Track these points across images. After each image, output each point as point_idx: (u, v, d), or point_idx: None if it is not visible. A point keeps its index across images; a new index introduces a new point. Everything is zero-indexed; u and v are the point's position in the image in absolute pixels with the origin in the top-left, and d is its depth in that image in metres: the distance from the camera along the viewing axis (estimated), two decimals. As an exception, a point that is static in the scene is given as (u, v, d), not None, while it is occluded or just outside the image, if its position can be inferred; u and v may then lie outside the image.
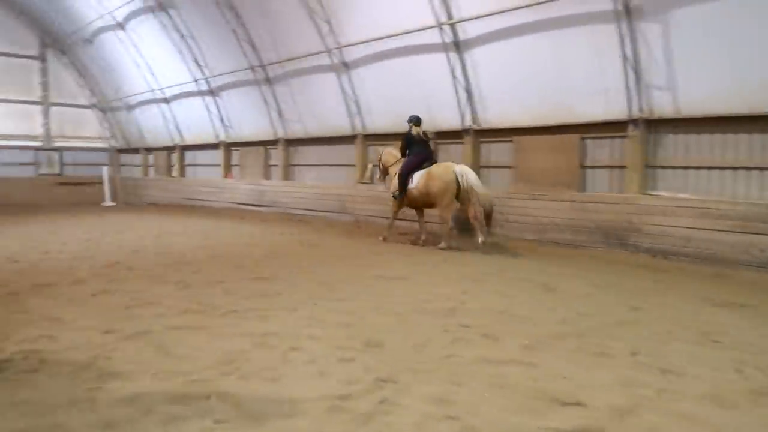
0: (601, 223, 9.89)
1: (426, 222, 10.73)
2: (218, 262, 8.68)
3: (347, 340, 4.76)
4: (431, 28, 11.93)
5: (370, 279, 7.33)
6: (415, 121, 10.43)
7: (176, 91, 20.64)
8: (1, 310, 5.80)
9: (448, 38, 11.88)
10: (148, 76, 21.28)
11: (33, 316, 5.57)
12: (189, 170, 22.18)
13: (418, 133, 10.35)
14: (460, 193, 9.67)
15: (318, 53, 14.62)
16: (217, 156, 20.23)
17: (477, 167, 12.02)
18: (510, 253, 9.70)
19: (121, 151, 25.78)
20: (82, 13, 21.24)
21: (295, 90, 16.30)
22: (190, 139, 21.51)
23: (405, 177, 10.30)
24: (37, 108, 23.74)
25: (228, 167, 20.01)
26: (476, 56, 11.72)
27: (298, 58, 15.19)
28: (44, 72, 23.78)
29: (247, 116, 18.61)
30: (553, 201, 10.61)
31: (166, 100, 21.54)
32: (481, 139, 12.29)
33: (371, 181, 12.81)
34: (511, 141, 11.68)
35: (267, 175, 18.36)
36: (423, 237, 10.53)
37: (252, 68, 16.77)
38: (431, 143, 10.62)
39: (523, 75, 11.08)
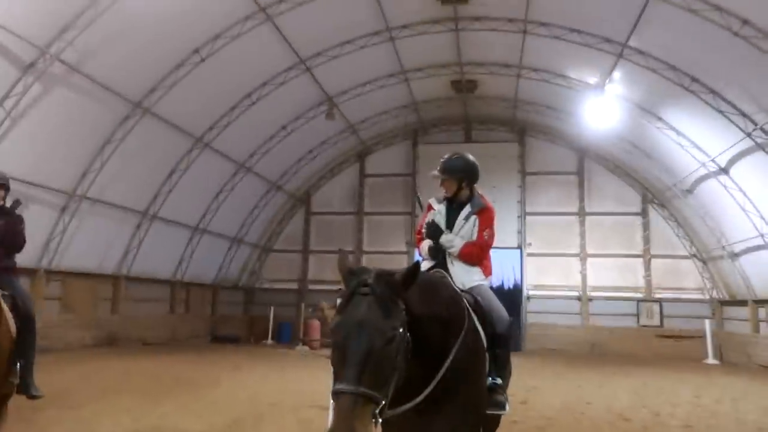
0: None
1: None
2: None
3: None
4: None
5: None
6: None
7: (793, 233, 17.56)
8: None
9: None
10: (755, 220, 19.02)
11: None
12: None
13: None
14: None
15: None
16: None
17: None
18: None
19: (723, 303, 23.56)
20: (682, 165, 21.30)
21: None
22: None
23: None
24: (638, 261, 24.65)
25: None
26: None
27: None
28: (645, 226, 24.79)
29: None
30: None
31: (780, 244, 18.59)
32: None
33: None
34: None
35: None
36: None
37: None
38: None
39: None
